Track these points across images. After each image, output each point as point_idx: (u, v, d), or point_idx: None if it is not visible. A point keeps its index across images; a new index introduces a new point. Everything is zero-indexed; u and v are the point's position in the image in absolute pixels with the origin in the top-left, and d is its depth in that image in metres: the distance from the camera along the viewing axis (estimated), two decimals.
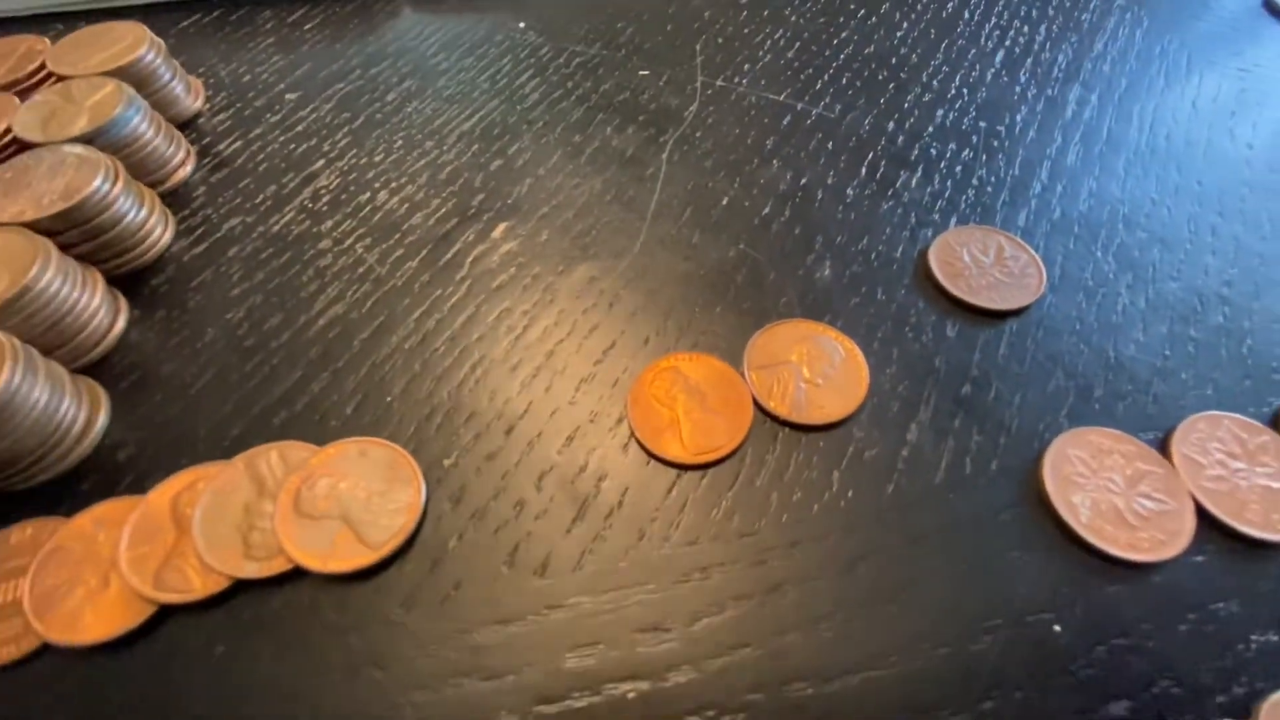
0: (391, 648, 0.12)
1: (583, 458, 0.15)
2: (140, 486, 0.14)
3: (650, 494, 0.14)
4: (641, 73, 0.23)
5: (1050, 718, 0.12)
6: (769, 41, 0.24)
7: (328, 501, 0.14)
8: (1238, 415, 0.15)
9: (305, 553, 0.13)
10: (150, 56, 0.20)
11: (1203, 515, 0.13)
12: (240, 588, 0.13)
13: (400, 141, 0.21)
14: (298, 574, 0.13)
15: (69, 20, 0.25)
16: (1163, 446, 0.14)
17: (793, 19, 0.25)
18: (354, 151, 0.21)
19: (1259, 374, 0.16)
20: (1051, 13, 0.25)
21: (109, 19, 0.22)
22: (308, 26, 0.25)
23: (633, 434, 0.15)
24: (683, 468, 0.14)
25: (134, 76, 0.20)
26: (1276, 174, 0.20)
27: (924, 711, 0.12)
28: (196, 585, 0.13)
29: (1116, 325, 0.17)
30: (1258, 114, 0.22)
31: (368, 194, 0.20)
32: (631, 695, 0.12)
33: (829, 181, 0.20)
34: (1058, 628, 0.12)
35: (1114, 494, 0.14)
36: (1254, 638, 0.12)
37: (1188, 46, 0.24)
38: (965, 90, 0.22)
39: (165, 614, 0.13)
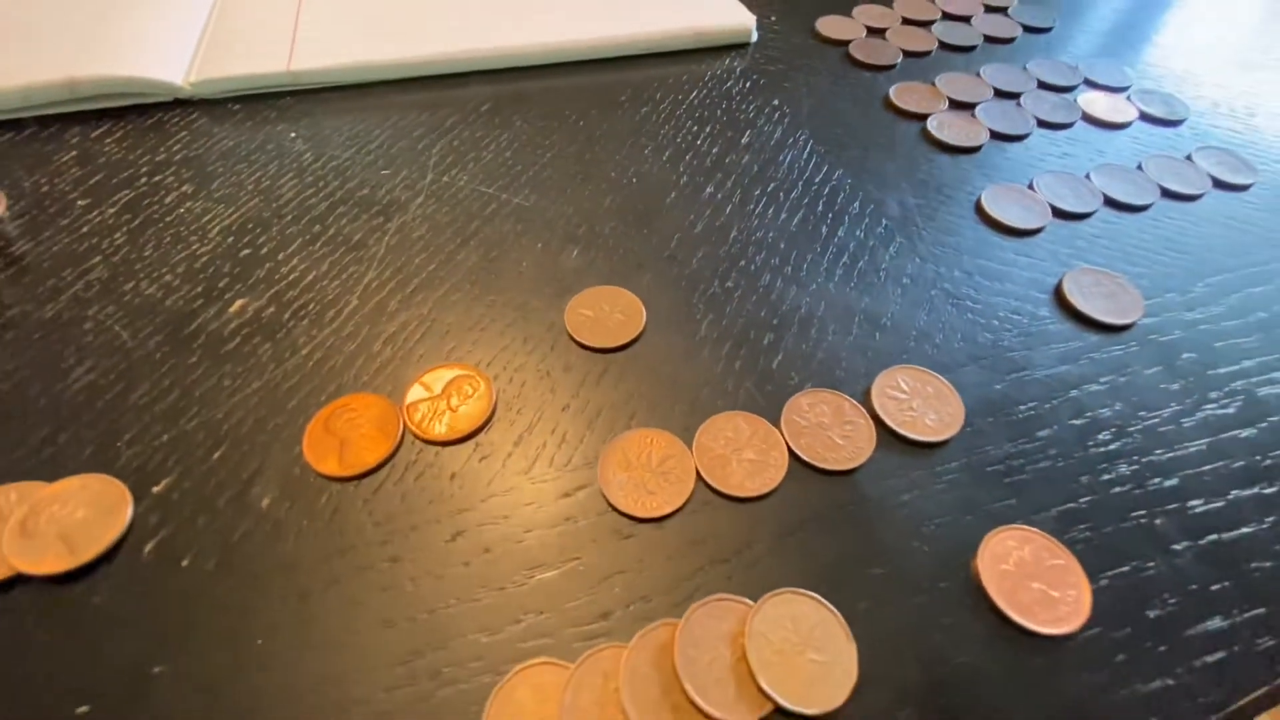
0: (83, 628, 0.17)
1: (261, 482, 0.19)
2: None
3: (309, 503, 0.19)
4: (383, 172, 0.29)
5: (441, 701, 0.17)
6: (494, 144, 0.30)
7: (48, 523, 0.18)
8: (749, 413, 0.21)
9: (23, 561, 0.17)
10: None
11: (701, 481, 0.19)
12: None
13: (169, 237, 0.26)
14: (22, 579, 0.17)
15: None
16: (691, 439, 0.20)
17: (518, 123, 0.31)
18: (127, 248, 0.25)
19: (779, 381, 0.22)
20: (719, 114, 0.32)
21: None
22: (108, 141, 0.30)
23: (304, 458, 0.20)
24: (338, 480, 0.19)
25: None
26: (837, 236, 0.27)
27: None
28: None
29: (690, 351, 0.23)
30: (850, 195, 0.29)
31: (132, 283, 0.24)
32: (260, 643, 0.16)
33: (511, 256, 0.26)
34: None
35: (646, 473, 0.19)
36: (706, 568, 0.18)
37: (813, 139, 0.31)
38: (635, 179, 0.29)
39: None
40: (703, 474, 0.19)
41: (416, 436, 0.20)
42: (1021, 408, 0.22)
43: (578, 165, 0.29)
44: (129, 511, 0.18)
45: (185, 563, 0.18)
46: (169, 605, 0.17)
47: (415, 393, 0.21)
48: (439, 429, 0.20)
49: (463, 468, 0.20)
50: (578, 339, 0.23)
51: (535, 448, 0.20)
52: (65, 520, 0.18)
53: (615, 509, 0.19)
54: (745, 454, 0.20)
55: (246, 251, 0.25)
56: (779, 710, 0.15)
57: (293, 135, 0.30)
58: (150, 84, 0.31)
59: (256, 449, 0.20)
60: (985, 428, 0.21)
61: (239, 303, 0.24)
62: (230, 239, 0.26)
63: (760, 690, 0.15)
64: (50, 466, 0.19)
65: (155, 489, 0.19)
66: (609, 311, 0.24)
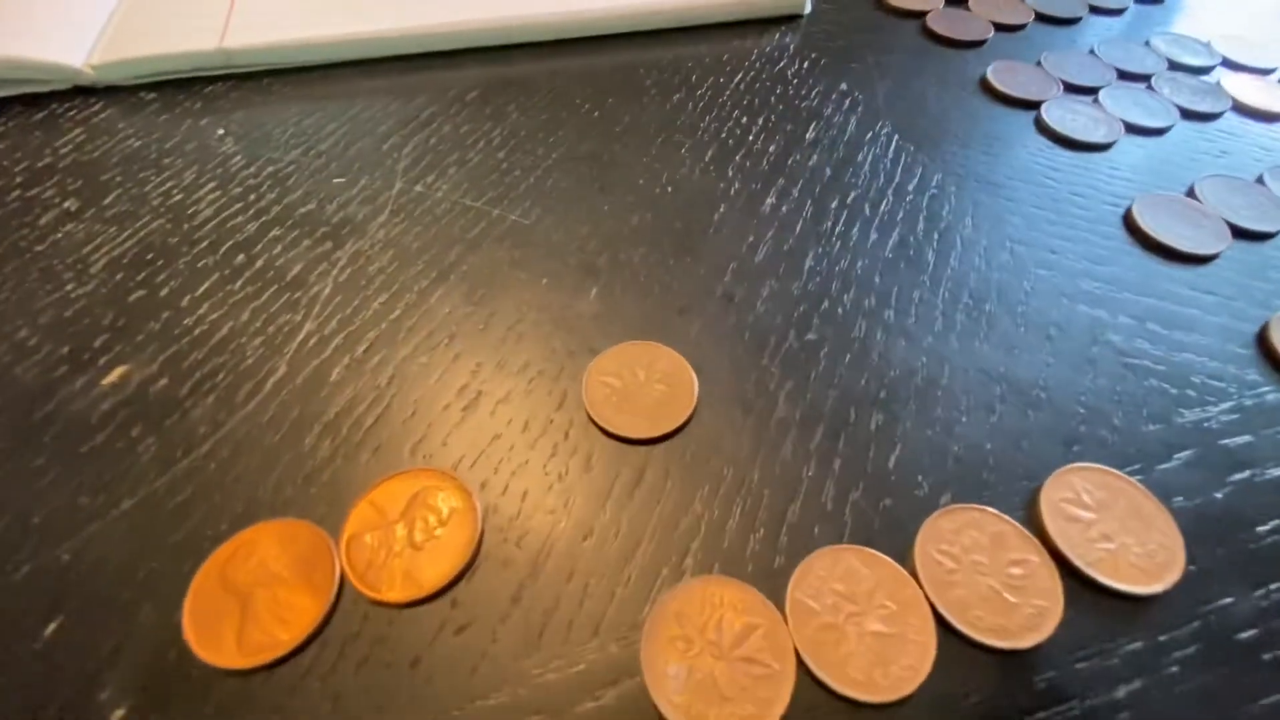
0: None
1: (114, 677, 0.12)
2: None
3: (186, 713, 0.12)
4: (336, 180, 0.22)
5: None
6: (483, 141, 0.23)
7: None
8: (862, 547, 0.14)
9: None
10: None
11: (803, 669, 0.12)
12: None
13: (36, 274, 0.19)
14: None
15: None
16: (781, 594, 0.13)
17: (514, 115, 0.24)
18: None
19: (901, 490, 0.15)
20: (773, 100, 0.25)
21: None
22: None
23: (184, 633, 0.13)
24: (234, 673, 0.12)
25: None
26: (950, 265, 0.20)
27: None
28: None
29: (764, 440, 0.16)
30: (958, 207, 0.22)
31: None
32: None
33: (505, 297, 0.19)
34: None
35: (715, 660, 0.12)
36: None
37: (897, 132, 0.24)
38: (670, 187, 0.22)
39: None
40: (805, 659, 0.12)
41: (361, 593, 0.13)
42: (1260, 530, 0.15)
43: (593, 170, 0.22)
44: None
45: None
46: None
47: (361, 516, 0.14)
48: (395, 580, 0.13)
49: (430, 646, 0.13)
50: (601, 423, 0.16)
51: (542, 610, 0.13)
52: None
53: None
54: (868, 622, 0.13)
55: (139, 294, 0.18)
56: None
57: (220, 132, 0.23)
58: (43, 67, 0.24)
59: (114, 617, 0.13)
60: (1216, 566, 0.14)
61: (118, 370, 0.17)
62: (119, 275, 0.19)
63: None
64: None
65: None
66: (645, 380, 0.17)
